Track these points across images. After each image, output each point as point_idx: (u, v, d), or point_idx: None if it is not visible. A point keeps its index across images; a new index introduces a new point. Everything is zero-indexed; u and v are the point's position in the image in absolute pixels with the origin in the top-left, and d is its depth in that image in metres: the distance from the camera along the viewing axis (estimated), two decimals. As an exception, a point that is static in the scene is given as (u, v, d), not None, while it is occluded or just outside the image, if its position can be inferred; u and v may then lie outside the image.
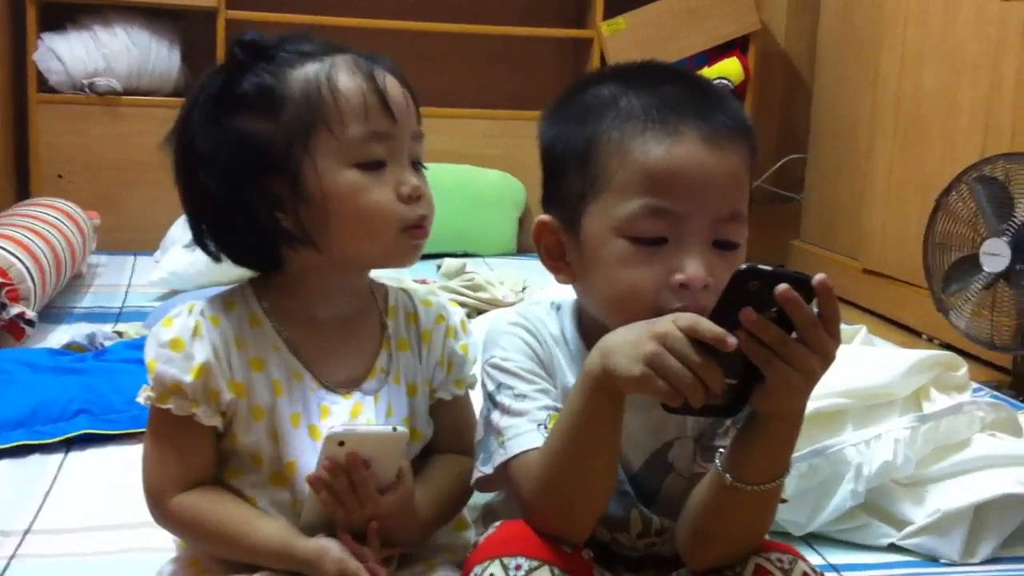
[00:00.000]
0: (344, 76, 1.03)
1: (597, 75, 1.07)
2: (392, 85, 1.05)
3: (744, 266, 0.84)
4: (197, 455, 1.04)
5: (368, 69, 1.04)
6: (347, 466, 0.97)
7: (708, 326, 0.84)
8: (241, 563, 1.03)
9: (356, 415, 1.06)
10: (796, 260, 3.53)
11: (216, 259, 1.08)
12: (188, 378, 1.01)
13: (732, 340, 0.83)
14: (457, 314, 1.17)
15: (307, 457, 1.03)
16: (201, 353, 1.02)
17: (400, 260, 1.07)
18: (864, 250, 3.08)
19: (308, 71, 1.03)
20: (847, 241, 3.24)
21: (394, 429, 1.00)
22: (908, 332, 2.77)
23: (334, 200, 1.01)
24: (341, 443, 0.97)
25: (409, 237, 1.05)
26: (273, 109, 1.02)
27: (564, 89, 1.07)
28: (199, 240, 1.08)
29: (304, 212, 1.02)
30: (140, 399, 1.04)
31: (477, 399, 1.17)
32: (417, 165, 1.08)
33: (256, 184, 1.02)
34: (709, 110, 0.98)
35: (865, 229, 3.07)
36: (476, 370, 1.16)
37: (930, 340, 2.64)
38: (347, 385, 1.08)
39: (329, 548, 0.99)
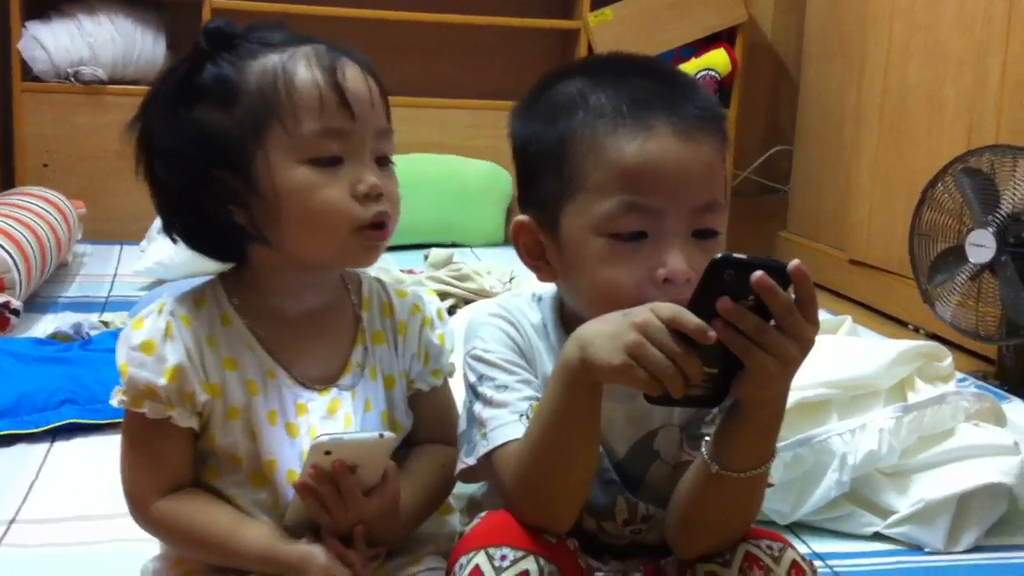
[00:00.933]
0: (302, 69, 0.99)
1: (563, 71, 1.06)
2: (355, 80, 1.01)
3: (719, 255, 0.84)
4: (174, 458, 1.02)
5: (330, 62, 1.00)
6: (333, 473, 0.96)
7: (690, 318, 0.84)
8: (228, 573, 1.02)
9: (333, 411, 1.05)
10: (783, 251, 3.54)
11: (192, 248, 1.07)
12: (161, 381, 0.99)
13: (712, 333, 0.83)
14: (432, 304, 1.15)
15: (286, 455, 1.03)
16: (173, 355, 1.00)
17: (355, 261, 1.05)
18: (850, 241, 3.09)
19: (267, 63, 0.99)
20: (833, 232, 3.25)
21: (380, 436, 0.98)
22: (894, 322, 2.79)
23: (285, 197, 0.98)
24: (327, 452, 0.96)
25: (363, 238, 1.01)
26: (229, 101, 0.99)
27: (532, 86, 1.06)
28: (167, 230, 1.06)
29: (257, 208, 0.99)
30: (113, 402, 1.02)
31: (456, 387, 1.17)
32: (384, 161, 1.04)
33: (209, 177, 1.00)
34: (679, 101, 0.98)
35: (851, 220, 3.08)
36: (454, 359, 1.15)
37: (916, 330, 2.65)
38: (323, 381, 1.06)
39: (314, 554, 0.98)
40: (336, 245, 1.00)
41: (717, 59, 3.51)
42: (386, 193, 1.02)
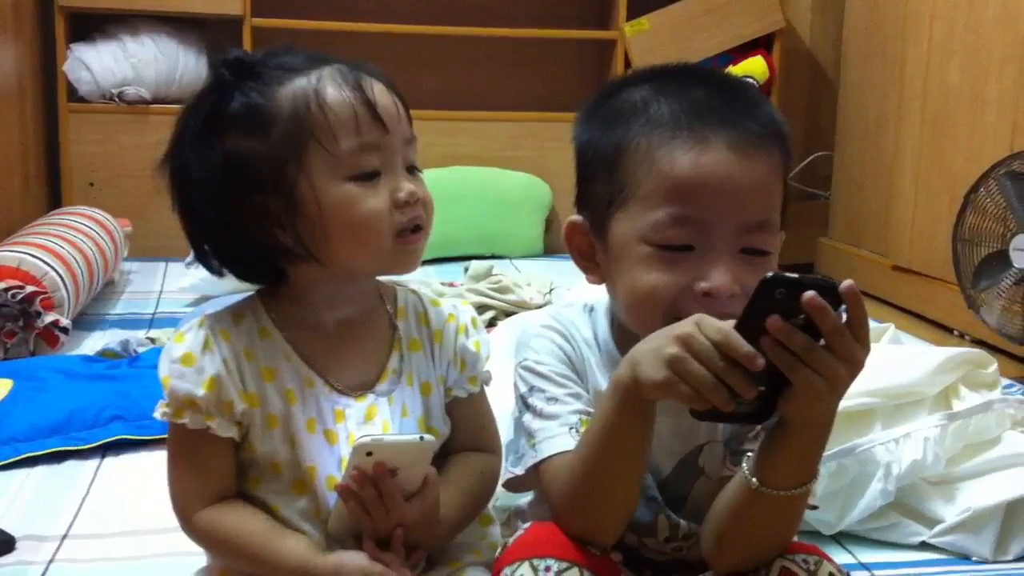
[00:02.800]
0: (332, 89, 1.02)
1: (631, 78, 1.07)
2: (381, 93, 1.04)
3: (770, 274, 0.84)
4: (216, 468, 1.04)
5: (355, 80, 1.03)
6: (374, 476, 0.98)
7: (739, 343, 0.84)
8: None
9: (371, 417, 1.06)
10: (825, 258, 3.51)
11: (219, 275, 1.09)
12: (200, 391, 1.01)
13: (761, 361, 0.83)
14: (467, 312, 1.17)
15: (325, 462, 1.04)
16: (212, 366, 1.02)
17: (398, 267, 1.07)
18: (893, 247, 3.06)
19: (295, 87, 1.02)
20: (875, 238, 3.22)
21: (421, 438, 1.00)
22: (939, 329, 2.75)
23: (331, 214, 1.01)
24: (369, 453, 0.97)
25: (404, 242, 1.04)
26: (263, 128, 1.01)
27: (599, 90, 1.08)
28: (200, 258, 1.08)
29: (303, 228, 1.01)
30: (156, 415, 1.05)
31: (493, 395, 1.17)
32: (412, 169, 1.07)
33: (251, 203, 1.02)
34: (738, 116, 0.97)
35: (893, 226, 3.05)
36: (503, 369, 1.16)
37: (961, 336, 2.62)
38: (360, 388, 1.08)
39: (349, 559, 1.00)
40: (381, 253, 1.03)
41: (755, 66, 3.50)
42: (420, 198, 1.05)
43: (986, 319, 2.24)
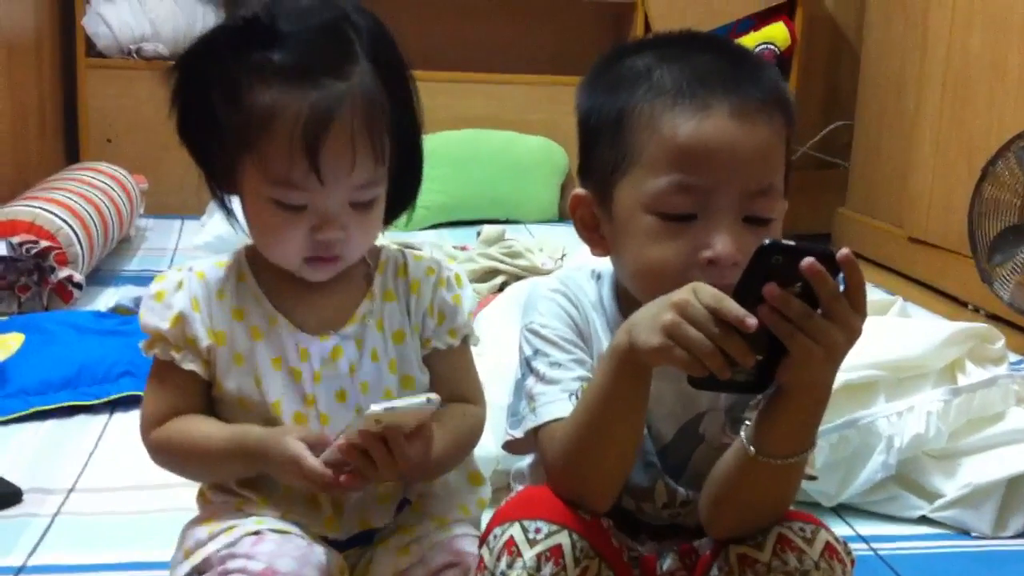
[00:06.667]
0: (290, 122, 0.98)
1: (634, 45, 1.06)
2: (342, 146, 1.00)
3: (767, 241, 0.84)
4: (183, 394, 1.08)
5: (323, 125, 0.98)
6: (385, 436, 0.98)
7: (730, 305, 0.84)
8: (242, 513, 1.07)
9: (335, 357, 1.08)
10: (841, 228, 3.49)
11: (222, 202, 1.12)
12: (165, 326, 1.07)
13: (752, 321, 0.83)
14: (450, 268, 1.17)
15: (291, 399, 1.07)
16: (179, 304, 1.07)
17: (307, 277, 1.08)
18: (909, 218, 3.03)
19: (276, 95, 0.99)
20: (893, 209, 3.19)
21: (427, 400, 0.99)
22: (953, 302, 2.74)
23: (251, 214, 1.05)
24: (378, 421, 0.97)
25: (314, 264, 1.05)
26: (234, 103, 1.00)
27: (601, 57, 1.07)
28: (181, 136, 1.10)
29: (242, 203, 1.06)
30: (141, 345, 1.11)
31: (499, 357, 1.17)
32: (360, 206, 1.05)
33: (217, 156, 1.05)
34: (741, 82, 0.97)
35: (911, 196, 3.03)
36: (497, 329, 1.16)
37: (976, 311, 2.60)
38: (324, 328, 1.09)
39: (281, 440, 1.01)
40: (289, 266, 1.06)
41: (776, 32, 3.46)
42: (347, 236, 1.04)
43: (1000, 293, 2.22)
